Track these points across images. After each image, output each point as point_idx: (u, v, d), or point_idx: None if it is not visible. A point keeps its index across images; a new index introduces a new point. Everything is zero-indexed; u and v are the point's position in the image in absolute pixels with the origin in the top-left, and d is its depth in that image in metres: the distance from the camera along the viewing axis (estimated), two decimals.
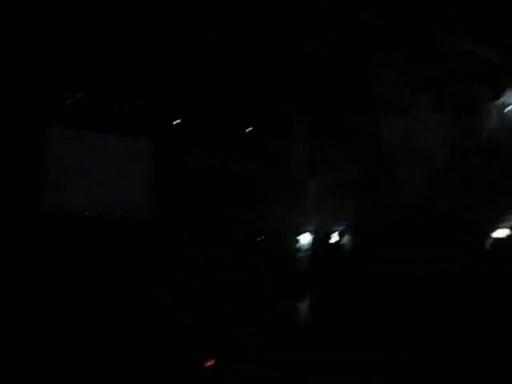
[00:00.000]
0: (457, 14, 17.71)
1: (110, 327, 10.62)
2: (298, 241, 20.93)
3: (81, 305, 12.52)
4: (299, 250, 20.17)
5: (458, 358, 8.76)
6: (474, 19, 18.17)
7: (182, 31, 19.20)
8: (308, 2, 17.22)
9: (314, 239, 20.86)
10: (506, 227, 19.15)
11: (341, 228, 21.96)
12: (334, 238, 20.90)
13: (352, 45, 20.98)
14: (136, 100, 23.54)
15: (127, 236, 19.29)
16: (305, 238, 21.38)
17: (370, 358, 9.02)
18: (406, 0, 17.33)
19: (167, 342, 9.72)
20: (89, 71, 21.69)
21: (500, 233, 18.97)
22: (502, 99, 24.20)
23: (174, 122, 23.96)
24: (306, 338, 11.20)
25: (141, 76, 22.36)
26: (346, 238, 19.63)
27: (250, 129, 24.76)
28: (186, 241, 19.46)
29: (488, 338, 10.35)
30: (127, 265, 16.82)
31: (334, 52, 20.95)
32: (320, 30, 19.58)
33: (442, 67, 22.10)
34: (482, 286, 14.50)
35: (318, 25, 19.05)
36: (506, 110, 25.24)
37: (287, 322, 13.17)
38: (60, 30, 18.40)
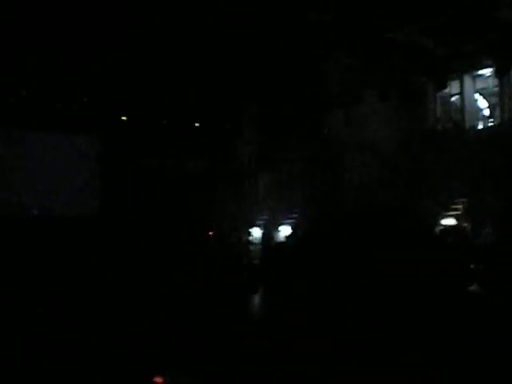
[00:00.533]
0: (404, 7, 17.80)
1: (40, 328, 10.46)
2: (247, 236, 20.96)
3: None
4: (249, 244, 20.18)
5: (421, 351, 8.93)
6: (421, 12, 18.31)
7: (134, 29, 19.04)
8: (259, 2, 17.17)
9: (263, 234, 20.89)
10: (453, 215, 19.41)
11: (289, 222, 22.05)
12: (283, 232, 20.94)
13: (297, 42, 21.06)
14: (84, 98, 23.27)
15: (75, 234, 19.06)
16: (254, 233, 21.43)
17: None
18: None
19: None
20: (37, 68, 21.40)
21: (448, 221, 19.17)
22: (447, 90, 24.63)
23: (123, 118, 23.77)
24: (259, 330, 11.20)
25: (90, 73, 22.12)
26: (294, 232, 19.65)
27: (197, 125, 24.74)
28: (135, 238, 19.30)
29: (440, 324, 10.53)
30: (75, 262, 16.59)
31: (279, 50, 21.02)
32: (267, 28, 19.60)
33: (388, 60, 22.34)
34: (435, 272, 14.63)
35: (266, 23, 19.07)
36: (451, 100, 25.71)
37: (242, 315, 13.10)
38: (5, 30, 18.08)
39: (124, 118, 23.97)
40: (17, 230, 18.96)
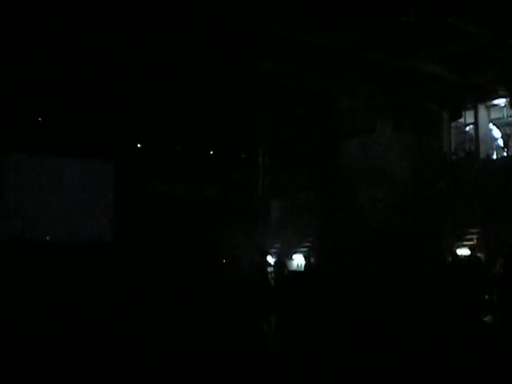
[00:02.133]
0: (418, 36, 17.85)
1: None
2: (260, 263, 20.84)
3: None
4: (262, 272, 20.07)
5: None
6: (435, 41, 18.37)
7: (151, 58, 19.25)
8: (266, 27, 17.28)
9: (275, 262, 20.80)
10: (467, 245, 19.28)
11: (302, 251, 21.97)
12: (296, 260, 20.86)
13: (310, 70, 21.20)
14: (100, 124, 23.45)
15: (88, 260, 19.08)
16: (267, 261, 21.32)
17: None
18: (363, 25, 17.41)
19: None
20: (53, 94, 21.61)
21: (462, 251, 19.05)
22: (461, 120, 24.62)
23: (137, 146, 23.91)
24: (273, 360, 11.14)
25: (105, 100, 22.32)
26: (307, 259, 19.59)
27: (212, 153, 24.83)
28: (147, 265, 19.30)
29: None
30: (89, 288, 16.61)
31: (292, 78, 21.14)
32: (277, 55, 19.76)
33: (403, 89, 22.40)
34: (449, 303, 14.52)
35: (275, 50, 19.22)
36: (465, 129, 25.69)
37: (254, 343, 13.04)
38: (17, 53, 18.34)
39: (139, 145, 24.13)
40: (30, 254, 19.04)
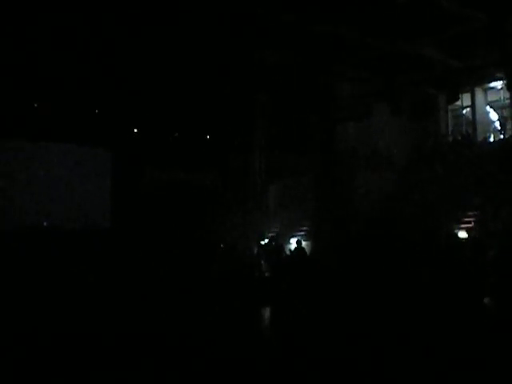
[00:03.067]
0: (415, 20, 17.81)
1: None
2: (258, 248, 20.90)
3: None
4: (259, 256, 20.12)
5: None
6: (432, 25, 18.33)
7: (148, 45, 19.16)
8: (267, 15, 17.22)
9: (273, 245, 20.82)
10: (465, 228, 19.29)
11: (300, 235, 21.96)
12: (293, 244, 20.83)
13: (308, 56, 21.11)
14: (95, 110, 23.39)
15: (85, 247, 19.11)
16: (265, 245, 21.37)
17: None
18: (362, 11, 17.37)
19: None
20: (49, 80, 21.52)
21: (460, 233, 19.06)
22: (458, 103, 24.60)
23: (134, 131, 23.87)
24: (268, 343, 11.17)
25: (101, 86, 22.24)
26: (298, 244, 19.57)
27: (208, 138, 24.79)
28: (147, 251, 19.34)
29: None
30: (84, 274, 16.66)
31: (290, 64, 21.07)
32: (277, 42, 19.69)
33: (400, 73, 22.35)
34: (449, 285, 14.57)
35: (276, 37, 19.15)
36: (462, 112, 25.70)
37: (253, 327, 13.11)
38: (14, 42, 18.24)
39: (135, 130, 24.09)
40: (28, 240, 19.06)
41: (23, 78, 19.70)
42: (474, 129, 24.17)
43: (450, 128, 25.28)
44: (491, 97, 24.62)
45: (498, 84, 23.57)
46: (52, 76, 19.89)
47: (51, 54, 18.71)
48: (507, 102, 23.63)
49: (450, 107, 24.76)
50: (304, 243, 20.26)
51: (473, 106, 24.33)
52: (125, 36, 18.07)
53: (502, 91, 23.79)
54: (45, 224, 21.43)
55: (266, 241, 20.97)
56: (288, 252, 19.51)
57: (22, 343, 9.82)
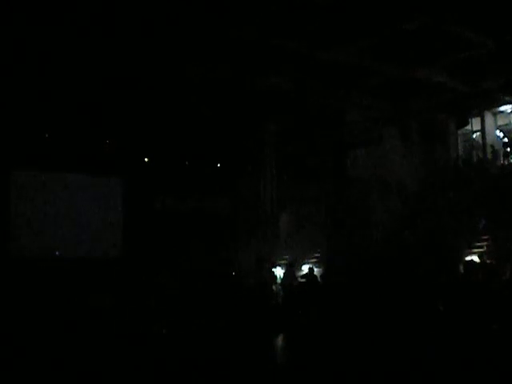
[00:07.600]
0: (424, 46, 17.94)
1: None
2: (271, 274, 20.87)
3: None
4: (272, 283, 20.09)
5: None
6: (441, 50, 18.45)
7: (157, 75, 19.37)
8: (271, 41, 17.38)
9: (284, 273, 20.80)
10: (476, 252, 19.20)
11: (312, 261, 21.92)
12: (305, 270, 20.81)
13: (317, 82, 21.25)
14: (107, 140, 23.55)
15: (98, 275, 19.14)
16: (277, 272, 21.35)
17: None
18: (370, 36, 17.50)
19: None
20: (61, 111, 21.71)
21: (472, 258, 18.96)
22: (468, 127, 24.62)
23: (145, 160, 23.99)
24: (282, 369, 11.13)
25: (113, 116, 22.40)
26: (316, 271, 19.55)
27: (219, 167, 24.85)
28: (159, 280, 19.34)
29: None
30: (98, 303, 16.67)
31: (297, 91, 21.20)
32: (283, 69, 19.86)
33: (409, 98, 22.44)
34: (460, 309, 14.49)
35: (281, 64, 19.32)
36: (472, 136, 25.69)
37: (267, 354, 13.07)
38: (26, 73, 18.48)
39: (146, 159, 24.20)
40: (40, 270, 19.14)
41: (36, 109, 19.91)
42: (484, 153, 24.16)
43: (460, 152, 25.27)
44: (501, 121, 24.65)
45: (508, 108, 23.62)
46: (63, 106, 20.08)
47: (65, 84, 18.93)
48: None
49: (459, 132, 24.77)
50: (316, 270, 20.28)
51: (482, 130, 24.34)
52: (137, 66, 18.29)
53: (511, 115, 23.83)
54: (57, 254, 21.50)
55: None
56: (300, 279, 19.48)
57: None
